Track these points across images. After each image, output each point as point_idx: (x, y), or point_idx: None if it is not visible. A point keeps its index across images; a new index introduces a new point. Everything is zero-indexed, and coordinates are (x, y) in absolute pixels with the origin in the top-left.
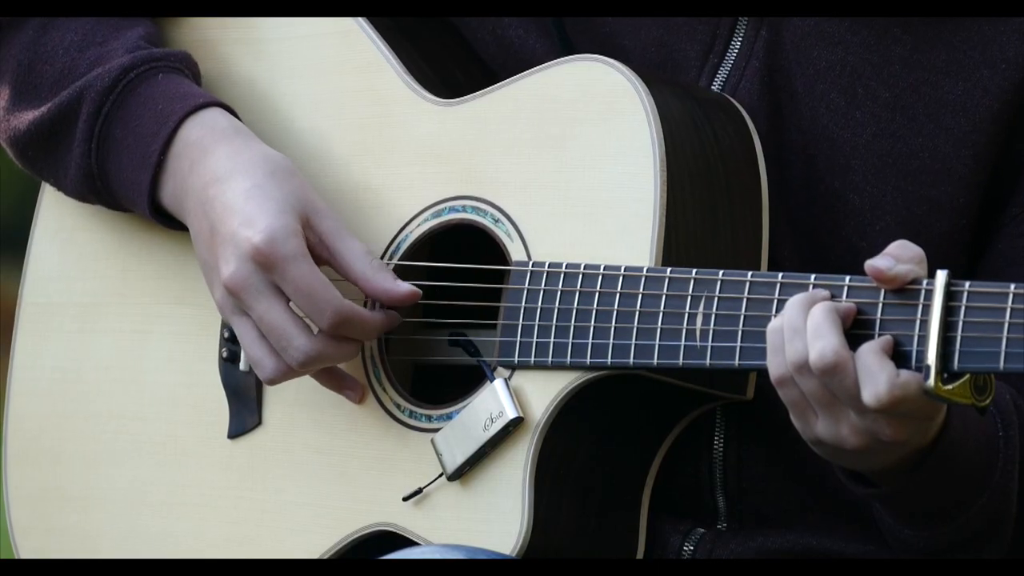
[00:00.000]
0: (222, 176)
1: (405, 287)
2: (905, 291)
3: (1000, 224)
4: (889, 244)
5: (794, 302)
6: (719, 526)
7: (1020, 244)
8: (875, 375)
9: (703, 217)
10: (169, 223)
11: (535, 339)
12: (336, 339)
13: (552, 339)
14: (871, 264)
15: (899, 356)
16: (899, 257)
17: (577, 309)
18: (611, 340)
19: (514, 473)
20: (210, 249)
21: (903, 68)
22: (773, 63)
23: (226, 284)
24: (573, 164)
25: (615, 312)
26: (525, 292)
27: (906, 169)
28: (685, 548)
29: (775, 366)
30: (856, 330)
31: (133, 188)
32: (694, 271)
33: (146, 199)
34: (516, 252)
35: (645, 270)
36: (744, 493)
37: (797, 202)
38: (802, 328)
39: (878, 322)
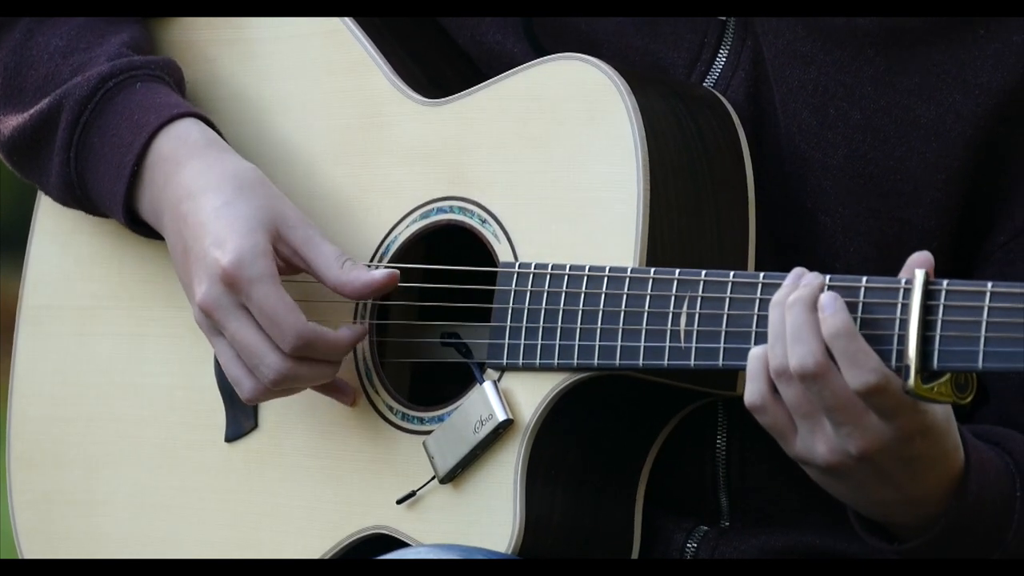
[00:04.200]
0: (194, 192)
1: (380, 273)
2: (884, 290)
3: (986, 253)
4: (863, 266)
5: (774, 305)
6: (722, 524)
7: (1008, 272)
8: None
9: (688, 215)
10: (148, 232)
11: (523, 341)
12: (306, 360)
13: (540, 341)
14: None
15: (878, 355)
16: None
17: (563, 310)
18: (597, 342)
19: (505, 475)
20: (184, 267)
21: (875, 90)
22: (759, 75)
23: (199, 305)
24: (557, 164)
25: (600, 313)
26: (512, 293)
27: (878, 191)
28: (688, 546)
29: (751, 393)
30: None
31: (110, 198)
32: (677, 271)
33: (121, 209)
34: (503, 253)
35: (629, 271)
36: (747, 491)
37: (775, 219)
38: (782, 333)
39: (859, 321)
